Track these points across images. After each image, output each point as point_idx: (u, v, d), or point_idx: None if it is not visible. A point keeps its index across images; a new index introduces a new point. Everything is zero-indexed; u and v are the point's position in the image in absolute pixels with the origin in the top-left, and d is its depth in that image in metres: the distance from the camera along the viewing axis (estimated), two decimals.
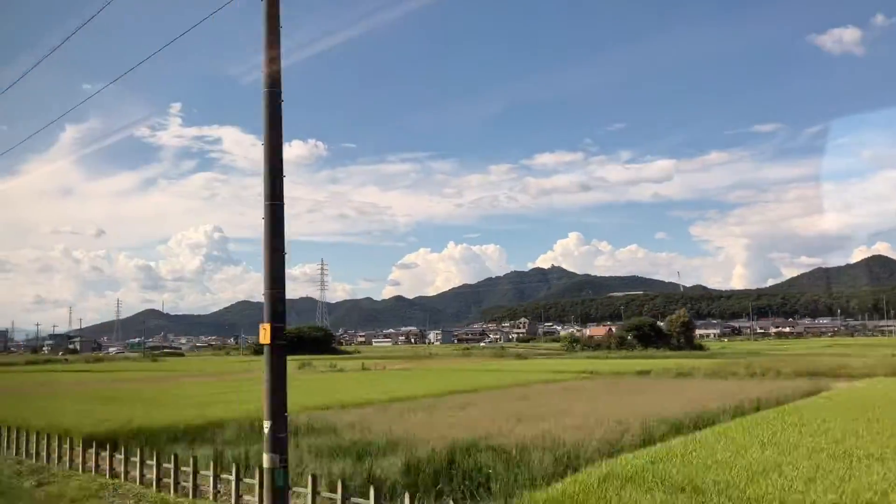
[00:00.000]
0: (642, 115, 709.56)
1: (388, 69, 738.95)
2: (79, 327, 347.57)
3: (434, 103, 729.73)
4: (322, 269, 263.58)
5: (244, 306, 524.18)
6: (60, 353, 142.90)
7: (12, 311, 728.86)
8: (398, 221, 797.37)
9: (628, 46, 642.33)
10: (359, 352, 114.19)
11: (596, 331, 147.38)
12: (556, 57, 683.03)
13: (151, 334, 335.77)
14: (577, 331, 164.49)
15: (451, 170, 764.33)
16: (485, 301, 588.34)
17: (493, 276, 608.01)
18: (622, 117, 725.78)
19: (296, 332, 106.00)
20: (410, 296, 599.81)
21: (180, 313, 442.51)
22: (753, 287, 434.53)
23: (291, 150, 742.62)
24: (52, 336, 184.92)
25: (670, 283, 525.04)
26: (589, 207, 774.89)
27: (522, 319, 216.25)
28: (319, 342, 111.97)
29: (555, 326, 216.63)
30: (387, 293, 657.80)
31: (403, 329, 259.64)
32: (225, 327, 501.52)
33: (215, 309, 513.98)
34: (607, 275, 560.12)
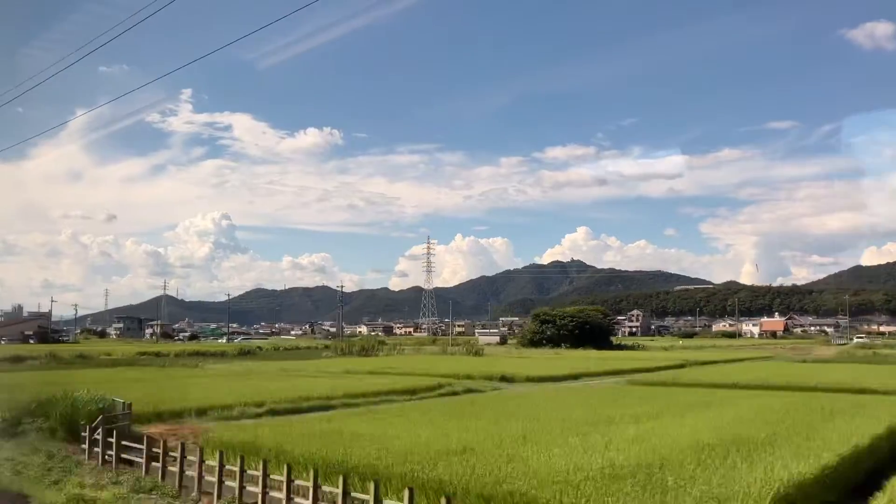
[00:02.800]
0: (656, 110, 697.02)
1: (398, 59, 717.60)
2: (85, 313, 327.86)
3: (444, 95, 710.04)
4: (428, 249, 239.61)
5: (259, 293, 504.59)
6: (176, 339, 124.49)
7: (21, 294, 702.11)
8: (406, 213, 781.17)
9: (644, 39, 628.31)
10: (641, 346, 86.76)
11: (771, 325, 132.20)
12: (567, 50, 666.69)
13: (173, 320, 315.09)
14: (730, 325, 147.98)
15: (460, 162, 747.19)
16: (502, 293, 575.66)
17: (511, 269, 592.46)
18: (635, 112, 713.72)
19: (578, 315, 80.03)
20: (424, 286, 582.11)
21: (194, 300, 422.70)
22: (763, 284, 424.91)
23: (306, 139, 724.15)
24: (123, 318, 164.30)
25: (697, 278, 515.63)
26: (598, 202, 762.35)
27: (635, 312, 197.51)
28: (602, 331, 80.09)
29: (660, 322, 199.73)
30: (395, 284, 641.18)
31: (505, 319, 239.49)
32: (241, 314, 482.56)
33: (223, 297, 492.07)
34: (632, 269, 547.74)
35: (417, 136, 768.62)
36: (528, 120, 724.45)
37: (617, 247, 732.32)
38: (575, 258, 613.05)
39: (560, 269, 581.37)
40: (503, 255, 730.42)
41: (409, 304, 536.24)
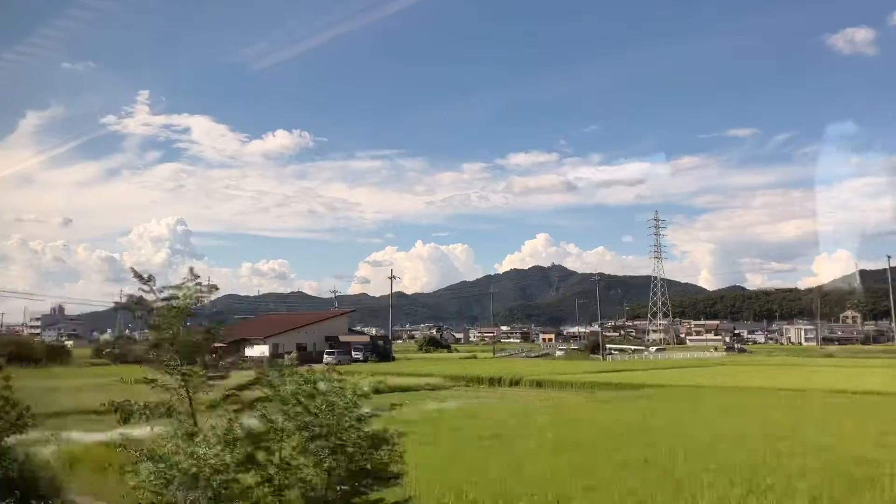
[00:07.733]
0: (621, 117, 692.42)
1: (360, 65, 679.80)
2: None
3: (404, 101, 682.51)
4: (657, 231, 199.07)
5: (232, 300, 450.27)
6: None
7: None
8: (366, 218, 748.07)
9: (623, 51, 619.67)
10: None
11: None
12: (530, 58, 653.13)
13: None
14: None
15: (422, 167, 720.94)
16: (484, 298, 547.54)
17: (493, 274, 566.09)
18: (598, 119, 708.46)
19: None
20: (377, 294, 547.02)
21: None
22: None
23: (275, 140, 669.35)
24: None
25: (687, 283, 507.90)
26: (558, 209, 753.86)
27: (849, 313, 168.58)
28: None
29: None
30: (356, 289, 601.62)
31: (711, 324, 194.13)
32: (213, 321, 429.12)
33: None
34: (620, 274, 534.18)
35: (378, 141, 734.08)
36: (490, 126, 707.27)
37: (576, 253, 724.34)
38: (547, 264, 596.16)
39: (541, 273, 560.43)
40: (463, 262, 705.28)
41: (394, 310, 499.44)
